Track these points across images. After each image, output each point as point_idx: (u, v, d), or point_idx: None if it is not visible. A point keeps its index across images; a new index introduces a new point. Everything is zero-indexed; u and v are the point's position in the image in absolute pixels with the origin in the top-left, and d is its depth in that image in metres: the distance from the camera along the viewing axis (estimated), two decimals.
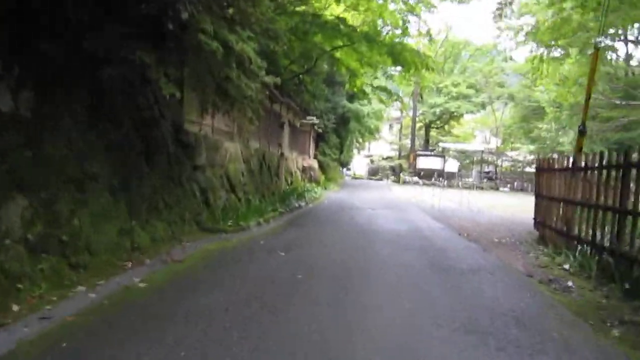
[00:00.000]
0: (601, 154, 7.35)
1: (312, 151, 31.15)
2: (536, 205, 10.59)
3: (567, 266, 7.48)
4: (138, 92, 7.86)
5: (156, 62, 6.17)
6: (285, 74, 20.20)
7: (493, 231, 12.12)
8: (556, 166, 9.47)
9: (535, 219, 10.61)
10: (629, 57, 28.12)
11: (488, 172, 42.83)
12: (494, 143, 47.56)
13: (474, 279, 6.43)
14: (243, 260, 7.09)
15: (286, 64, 20.25)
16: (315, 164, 30.79)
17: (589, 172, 7.90)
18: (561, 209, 9.05)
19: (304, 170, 29.38)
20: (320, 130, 31.73)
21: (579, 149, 9.34)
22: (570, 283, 6.54)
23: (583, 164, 8.06)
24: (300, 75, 20.76)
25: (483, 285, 6.09)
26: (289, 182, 20.46)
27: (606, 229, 7.10)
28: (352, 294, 5.35)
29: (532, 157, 42.80)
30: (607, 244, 6.99)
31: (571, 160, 8.95)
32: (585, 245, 7.57)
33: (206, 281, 5.81)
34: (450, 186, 33.68)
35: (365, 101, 32.83)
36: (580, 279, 6.85)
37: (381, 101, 22.10)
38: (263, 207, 12.70)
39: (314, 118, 30.21)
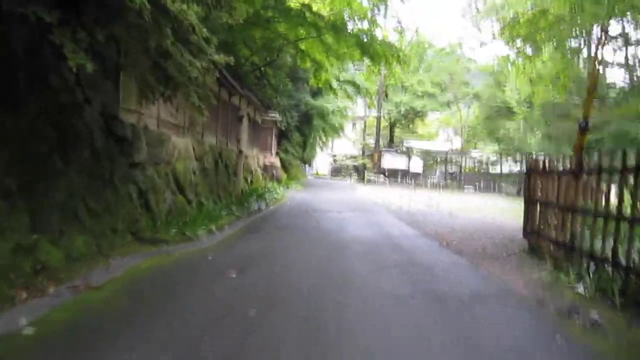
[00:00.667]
0: (624, 154, 5.98)
1: (274, 149, 29.49)
2: (527, 212, 9.24)
3: (580, 289, 6.10)
4: (50, 69, 6.09)
5: (59, 21, 4.44)
6: (246, 66, 18.53)
7: (473, 239, 10.76)
8: (555, 168, 8.10)
9: (525, 227, 9.26)
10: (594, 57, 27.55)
11: (452, 172, 42.00)
12: (457, 143, 46.87)
13: (480, 313, 4.95)
14: (181, 286, 5.43)
15: (247, 54, 18.58)
16: (277, 162, 29.17)
17: (603, 175, 6.53)
18: (562, 218, 7.69)
19: (265, 168, 27.68)
20: (282, 128, 30.08)
21: (579, 148, 8.03)
22: (595, 315, 5.13)
23: (596, 165, 6.68)
24: (262, 68, 19.08)
25: (496, 324, 4.62)
26: (249, 181, 18.77)
27: (634, 245, 5.73)
28: (328, 350, 3.76)
29: (495, 157, 42.30)
30: (635, 264, 5.62)
31: (573, 161, 7.58)
32: (603, 264, 6.20)
33: (122, 324, 4.15)
34: (416, 185, 32.53)
35: (331, 96, 31.34)
36: (603, 308, 5.46)
37: (348, 96, 20.54)
38: (217, 211, 11.03)
39: (277, 114, 28.58)
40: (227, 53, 7.27)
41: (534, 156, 33.21)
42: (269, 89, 20.89)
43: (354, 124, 58.67)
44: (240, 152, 15.26)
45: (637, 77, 25.36)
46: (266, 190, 18.25)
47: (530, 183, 9.10)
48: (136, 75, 6.49)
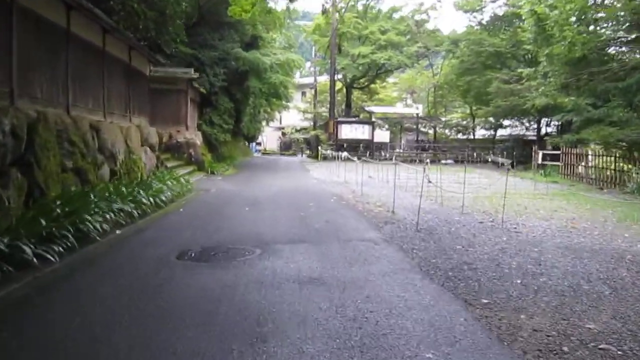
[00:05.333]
0: None
1: (191, 120, 19.59)
2: None
3: None
4: None
5: None
6: None
7: None
8: None
9: None
10: None
11: (420, 141, 32.96)
12: (419, 108, 37.74)
13: None
14: None
15: None
16: (197, 139, 19.31)
17: None
18: None
19: (176, 147, 17.99)
20: (203, 91, 20.17)
21: None
22: None
23: None
24: None
25: None
26: (95, 177, 8.97)
27: None
28: None
29: (466, 122, 33.56)
30: None
31: None
32: None
33: None
34: (385, 160, 23.25)
35: (269, 47, 21.61)
36: None
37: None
38: None
39: (191, 71, 18.66)
40: None
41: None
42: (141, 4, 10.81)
43: (303, 93, 48.78)
44: None
45: None
46: (131, 191, 8.53)
47: None
48: None
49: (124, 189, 8.39)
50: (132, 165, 11.04)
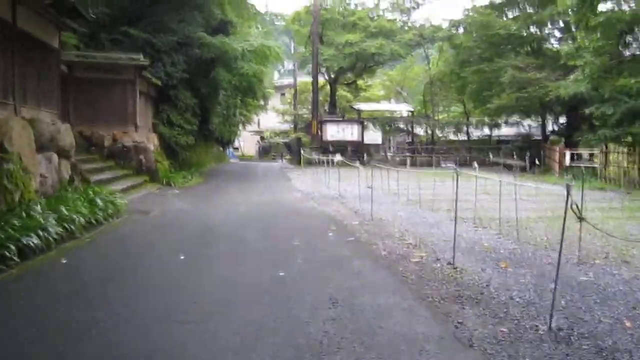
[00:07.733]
0: None
1: (141, 119, 15.06)
2: None
3: None
4: None
5: None
6: None
7: None
8: None
9: None
10: None
11: (411, 142, 28.79)
12: (404, 107, 33.62)
13: None
14: None
15: None
16: (150, 143, 14.81)
17: None
18: None
19: (123, 153, 13.49)
20: (158, 83, 15.68)
21: None
22: None
23: None
24: None
25: None
26: None
27: None
28: None
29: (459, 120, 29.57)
30: None
31: None
32: None
33: None
34: (379, 163, 18.96)
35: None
36: None
37: None
38: None
39: (140, 57, 14.20)
40: None
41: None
42: None
43: (282, 94, 44.26)
44: None
45: None
46: None
47: None
48: None
49: None
50: (5, 181, 6.57)
